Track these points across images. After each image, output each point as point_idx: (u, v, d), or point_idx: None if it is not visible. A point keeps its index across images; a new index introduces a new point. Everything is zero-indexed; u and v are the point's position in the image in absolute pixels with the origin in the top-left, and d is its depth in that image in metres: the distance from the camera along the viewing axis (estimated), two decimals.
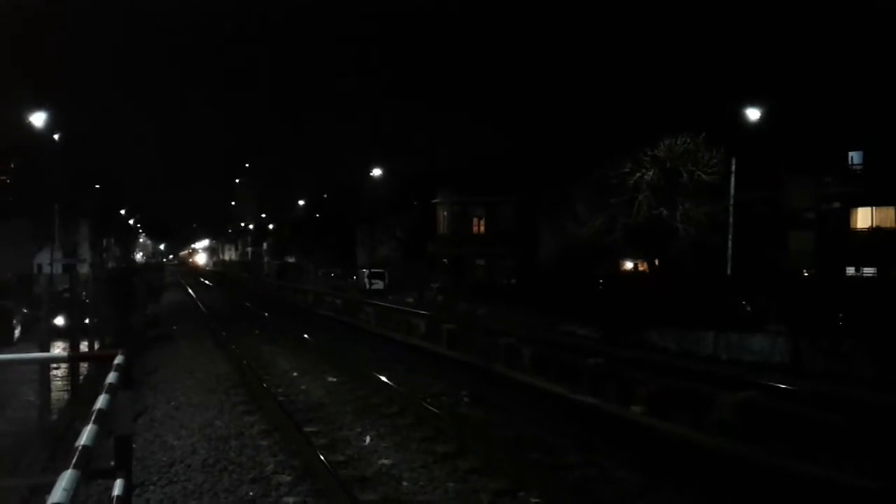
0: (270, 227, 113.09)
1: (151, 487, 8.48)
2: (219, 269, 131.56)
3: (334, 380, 16.16)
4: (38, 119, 34.89)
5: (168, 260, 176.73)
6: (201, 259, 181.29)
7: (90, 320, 16.38)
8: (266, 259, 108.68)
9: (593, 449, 10.41)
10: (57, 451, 8.75)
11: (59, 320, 13.08)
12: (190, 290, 57.31)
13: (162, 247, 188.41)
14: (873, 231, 35.49)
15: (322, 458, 9.26)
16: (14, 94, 36.01)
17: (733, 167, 28.79)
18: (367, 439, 10.85)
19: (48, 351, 10.85)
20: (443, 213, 56.88)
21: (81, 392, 12.05)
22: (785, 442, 10.17)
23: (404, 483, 8.78)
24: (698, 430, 11.37)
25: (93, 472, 3.81)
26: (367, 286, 51.87)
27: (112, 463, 4.25)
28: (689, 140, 30.68)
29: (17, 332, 21.00)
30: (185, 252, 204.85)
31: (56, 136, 41.37)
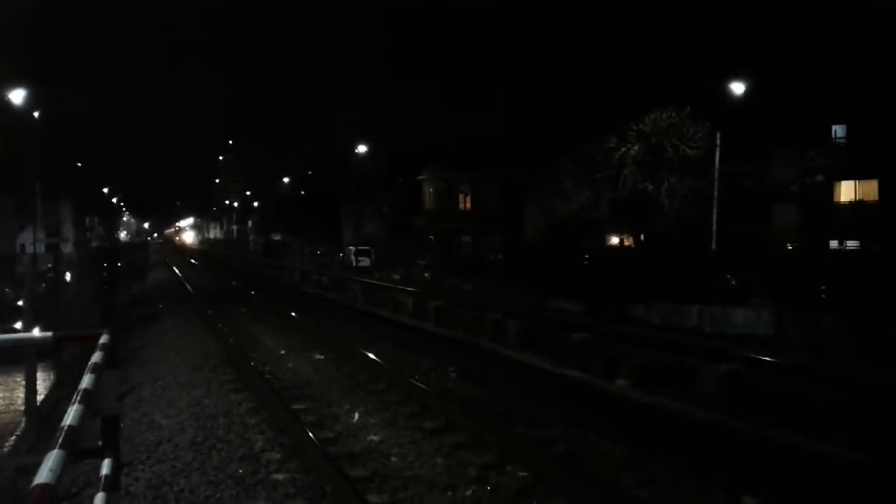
0: (255, 204, 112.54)
1: (140, 466, 8.48)
2: (204, 248, 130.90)
3: (321, 357, 16.18)
4: (16, 96, 34.36)
5: (152, 238, 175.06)
6: (188, 237, 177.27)
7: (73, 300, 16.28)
8: (251, 237, 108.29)
9: (579, 423, 10.50)
10: (43, 431, 8.73)
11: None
12: (175, 269, 57.05)
13: (146, 225, 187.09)
14: (856, 204, 35.76)
15: (311, 434, 9.30)
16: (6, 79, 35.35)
17: (718, 141, 28.88)
18: (356, 416, 10.90)
19: (32, 331, 10.78)
20: (429, 190, 56.76)
21: (67, 372, 12.01)
22: (768, 414, 10.31)
23: (393, 458, 8.84)
24: (683, 402, 11.50)
25: (80, 452, 3.81)
26: (354, 263, 51.86)
27: (100, 443, 4.25)
28: (673, 114, 30.72)
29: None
30: (171, 230, 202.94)
31: (36, 114, 40.81)
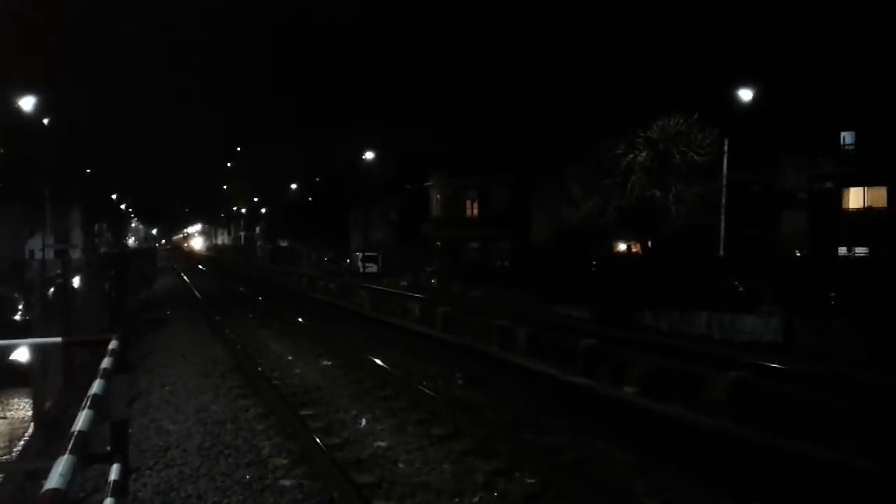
0: (263, 210, 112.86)
1: (148, 472, 8.50)
2: (212, 254, 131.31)
3: (329, 363, 16.19)
4: (27, 103, 34.60)
5: (161, 245, 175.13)
6: (197, 243, 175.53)
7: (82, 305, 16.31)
8: (259, 243, 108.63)
9: (587, 429, 10.48)
10: (52, 436, 8.76)
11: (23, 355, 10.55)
12: (183, 275, 57.24)
13: (154, 231, 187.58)
14: (865, 211, 35.64)
15: (318, 440, 9.30)
16: (9, 82, 35.66)
17: (726, 148, 28.83)
18: (363, 422, 10.90)
19: (42, 336, 10.82)
20: (436, 196, 56.81)
21: (76, 377, 12.05)
22: (776, 421, 10.26)
23: (400, 465, 8.83)
24: (691, 410, 11.45)
25: (89, 457, 3.83)
26: (361, 269, 51.93)
27: (108, 448, 4.26)
28: (681, 121, 30.64)
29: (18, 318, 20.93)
30: (180, 236, 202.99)
31: (45, 121, 41.10)
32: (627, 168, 31.17)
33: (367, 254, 54.55)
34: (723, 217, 28.42)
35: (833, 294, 22.47)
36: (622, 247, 41.08)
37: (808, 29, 38.41)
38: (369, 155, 57.24)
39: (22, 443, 9.24)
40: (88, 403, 3.35)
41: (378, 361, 15.36)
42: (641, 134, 31.12)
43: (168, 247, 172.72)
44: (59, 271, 16.59)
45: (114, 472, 3.82)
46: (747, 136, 31.17)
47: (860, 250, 34.66)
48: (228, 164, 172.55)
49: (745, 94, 28.96)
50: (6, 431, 9.93)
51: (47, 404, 10.11)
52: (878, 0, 32.77)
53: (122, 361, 4.51)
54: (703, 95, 32.41)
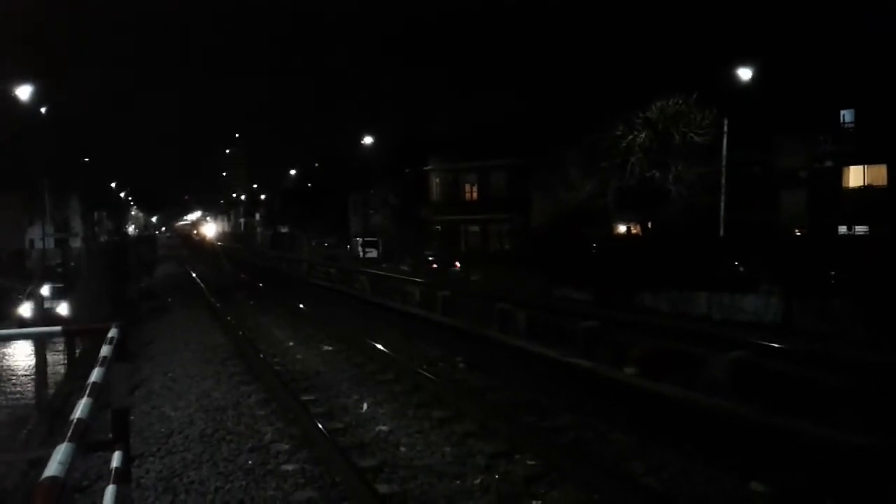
0: (262, 197, 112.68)
1: (150, 458, 8.55)
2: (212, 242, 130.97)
3: (330, 348, 16.24)
4: (23, 92, 34.42)
5: (161, 232, 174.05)
6: (210, 230, 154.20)
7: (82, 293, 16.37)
8: (259, 230, 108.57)
9: (588, 411, 10.52)
10: (55, 425, 8.81)
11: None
12: (183, 263, 57.28)
13: (154, 219, 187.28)
14: (865, 189, 35.53)
15: (320, 425, 9.34)
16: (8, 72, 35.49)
17: (725, 128, 28.70)
18: (365, 406, 10.94)
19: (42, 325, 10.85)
20: (435, 180, 56.64)
21: (78, 366, 12.09)
22: (776, 400, 10.29)
23: (402, 448, 8.87)
24: (691, 390, 11.48)
25: (90, 444, 3.84)
26: (361, 255, 51.98)
27: (110, 435, 4.28)
28: (680, 101, 30.52)
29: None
30: (186, 222, 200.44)
31: (43, 110, 40.89)
32: (627, 149, 31.08)
33: (366, 239, 54.54)
34: (723, 197, 28.34)
35: (833, 273, 22.47)
36: (622, 229, 41.04)
37: (807, 6, 38.17)
38: (368, 140, 57.04)
39: (25, 431, 9.29)
40: (88, 391, 3.36)
41: (379, 346, 15.39)
42: (640, 114, 31.01)
43: (168, 234, 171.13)
44: (58, 261, 16.60)
45: (116, 459, 3.84)
46: (747, 115, 31.02)
47: (860, 229, 34.60)
48: (227, 151, 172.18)
49: (745, 74, 28.78)
50: (9, 420, 9.98)
51: (50, 392, 10.15)
52: None
53: (123, 349, 4.52)
54: (702, 75, 32.26)
